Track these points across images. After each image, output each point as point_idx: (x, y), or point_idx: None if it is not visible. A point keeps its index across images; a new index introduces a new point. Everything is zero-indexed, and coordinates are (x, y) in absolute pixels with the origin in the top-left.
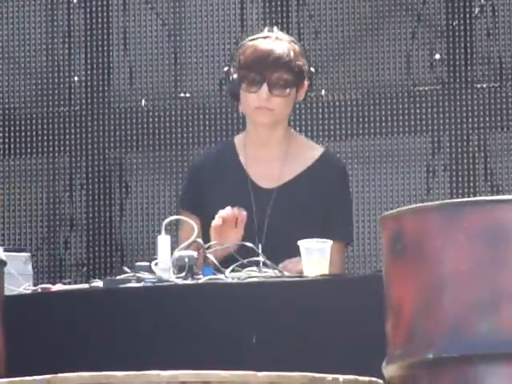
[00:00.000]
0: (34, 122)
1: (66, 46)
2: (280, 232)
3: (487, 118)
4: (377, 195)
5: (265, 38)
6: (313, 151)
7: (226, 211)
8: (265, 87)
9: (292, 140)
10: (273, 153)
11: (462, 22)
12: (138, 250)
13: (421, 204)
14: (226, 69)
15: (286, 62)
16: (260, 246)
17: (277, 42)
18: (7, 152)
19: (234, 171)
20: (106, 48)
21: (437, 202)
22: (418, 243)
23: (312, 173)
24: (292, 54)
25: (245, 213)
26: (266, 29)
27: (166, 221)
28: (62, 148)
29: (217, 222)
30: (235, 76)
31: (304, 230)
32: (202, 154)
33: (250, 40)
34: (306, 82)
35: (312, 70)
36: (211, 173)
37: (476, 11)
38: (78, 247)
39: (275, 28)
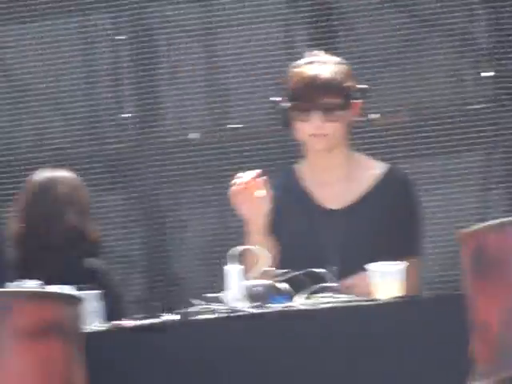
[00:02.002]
0: (84, 161)
1: (114, 83)
2: (354, 251)
3: None
4: (432, 216)
5: (309, 63)
6: (377, 168)
7: (246, 176)
8: (316, 114)
9: (354, 160)
10: (336, 175)
11: (508, 38)
12: (196, 283)
13: (502, 219)
14: (275, 99)
15: (333, 86)
16: (336, 269)
17: (322, 66)
18: None
19: (300, 198)
20: (153, 83)
21: None
22: (502, 259)
23: (379, 190)
24: (338, 76)
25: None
26: (310, 53)
27: (232, 251)
28: (115, 185)
29: (237, 188)
30: (285, 105)
31: (376, 247)
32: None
33: (296, 67)
34: (358, 101)
35: (364, 86)
36: (279, 202)
37: None
38: (136, 284)
39: (318, 52)
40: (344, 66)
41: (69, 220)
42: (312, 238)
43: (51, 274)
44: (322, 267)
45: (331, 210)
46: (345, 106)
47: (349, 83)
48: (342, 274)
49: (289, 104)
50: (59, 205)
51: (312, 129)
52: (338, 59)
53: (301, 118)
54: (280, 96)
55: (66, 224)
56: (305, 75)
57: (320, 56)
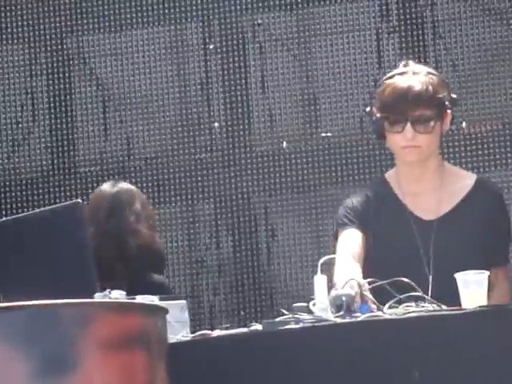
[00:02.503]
0: (175, 170)
1: (205, 92)
2: (447, 262)
3: None
4: None
5: (402, 74)
6: (467, 179)
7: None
8: (408, 126)
9: (445, 170)
10: (428, 185)
11: None
12: (287, 293)
13: None
14: (367, 109)
15: (426, 99)
16: (430, 278)
17: (414, 77)
18: (150, 201)
19: (392, 206)
20: (244, 92)
21: None
22: None
23: (470, 200)
24: (431, 88)
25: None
26: (402, 63)
27: (322, 260)
28: (205, 194)
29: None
30: (378, 115)
31: (469, 258)
32: (358, 191)
33: (388, 78)
34: (450, 111)
35: (454, 96)
36: (372, 210)
37: None
38: (227, 293)
39: (411, 62)
40: (437, 75)
41: (143, 235)
42: (407, 248)
43: (121, 285)
44: (417, 276)
45: (425, 220)
46: (437, 118)
47: (441, 94)
48: (436, 284)
49: (381, 115)
50: (136, 219)
51: (404, 141)
52: (430, 69)
53: (393, 130)
54: (373, 106)
55: (141, 239)
56: (397, 87)
57: (412, 66)
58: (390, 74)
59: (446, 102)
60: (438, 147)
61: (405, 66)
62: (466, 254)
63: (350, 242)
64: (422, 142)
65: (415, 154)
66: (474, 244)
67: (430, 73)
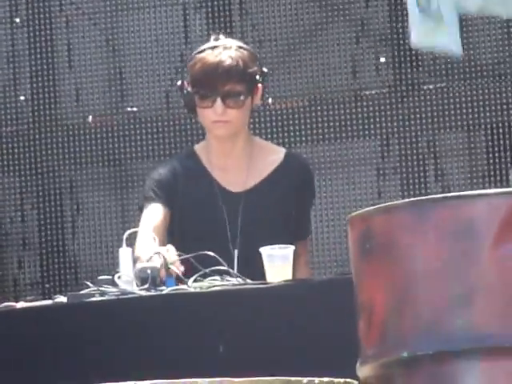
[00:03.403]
0: None
1: (11, 65)
2: (254, 234)
3: (435, 119)
4: (328, 200)
5: (212, 48)
6: (276, 153)
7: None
8: (218, 101)
9: (254, 144)
10: (237, 159)
11: (405, 24)
12: (91, 266)
13: (389, 203)
14: (178, 83)
15: (236, 73)
16: (236, 252)
17: (225, 51)
18: None
19: (200, 179)
20: (50, 66)
21: (405, 200)
22: (388, 242)
23: (279, 174)
24: (241, 62)
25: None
26: (213, 37)
27: (127, 233)
28: (11, 168)
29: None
30: (189, 89)
31: (275, 231)
32: (166, 162)
33: (199, 52)
34: (260, 86)
35: (265, 70)
36: (181, 178)
37: None
38: (32, 266)
39: (221, 36)
40: (248, 49)
41: None
42: (213, 221)
43: None
44: (222, 250)
45: (233, 192)
46: (248, 92)
47: (252, 68)
48: (243, 257)
49: (192, 89)
50: None
51: (214, 115)
52: (241, 43)
53: (203, 105)
54: (184, 80)
55: None
56: (207, 61)
57: (223, 40)
58: (201, 47)
59: (257, 77)
60: (248, 121)
61: (215, 40)
62: (272, 226)
63: (154, 217)
64: (232, 117)
65: (225, 128)
66: (281, 217)
67: (240, 47)
